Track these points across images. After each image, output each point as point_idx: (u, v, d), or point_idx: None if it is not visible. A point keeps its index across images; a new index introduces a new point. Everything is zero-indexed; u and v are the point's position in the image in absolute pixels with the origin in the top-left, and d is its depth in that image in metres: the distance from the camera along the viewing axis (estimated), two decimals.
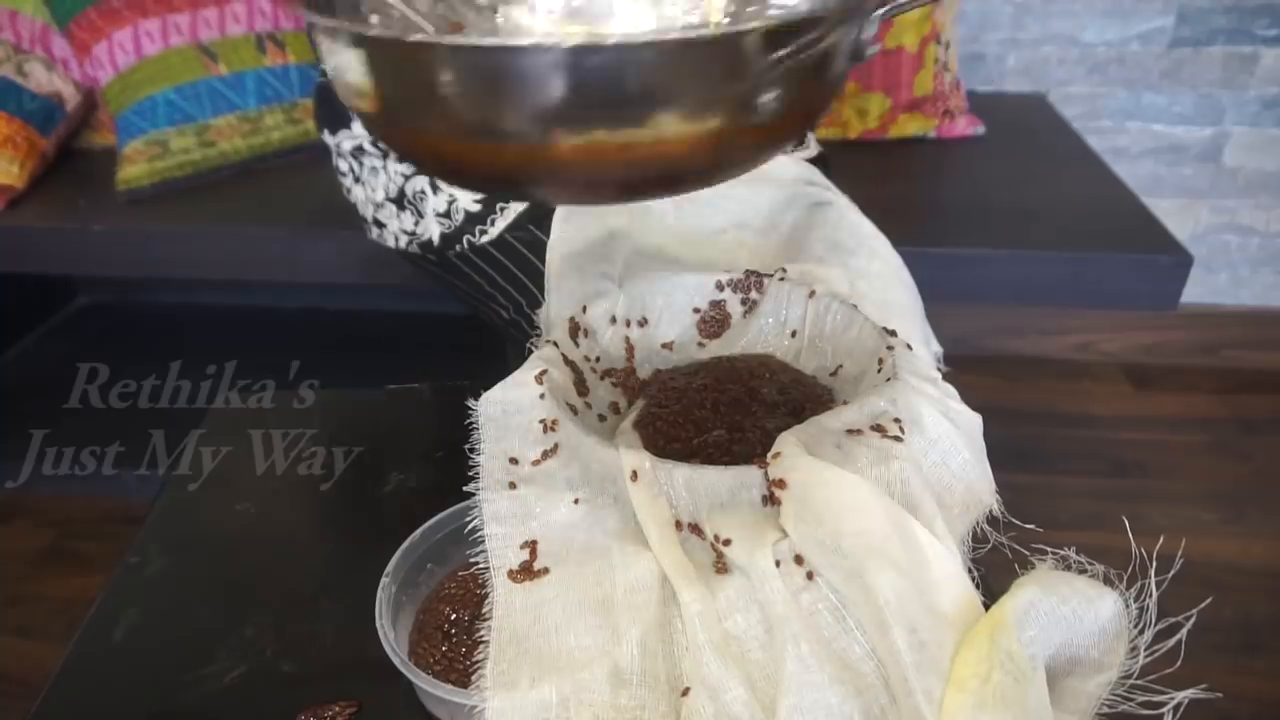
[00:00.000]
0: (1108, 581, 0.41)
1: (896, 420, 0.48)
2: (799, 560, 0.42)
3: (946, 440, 0.48)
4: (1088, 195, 1.25)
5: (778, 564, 0.41)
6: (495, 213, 0.75)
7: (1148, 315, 1.76)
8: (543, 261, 0.69)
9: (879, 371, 0.53)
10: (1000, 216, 1.20)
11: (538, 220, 0.73)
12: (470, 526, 0.47)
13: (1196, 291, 1.76)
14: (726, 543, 0.44)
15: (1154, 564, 0.41)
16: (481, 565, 0.46)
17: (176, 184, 1.34)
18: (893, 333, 0.56)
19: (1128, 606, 0.41)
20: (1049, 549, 0.43)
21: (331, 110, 0.89)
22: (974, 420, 0.51)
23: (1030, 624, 0.39)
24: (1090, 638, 0.40)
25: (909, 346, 0.56)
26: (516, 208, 0.75)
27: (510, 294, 0.76)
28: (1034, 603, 0.39)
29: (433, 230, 0.78)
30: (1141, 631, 0.40)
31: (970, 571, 0.43)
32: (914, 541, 0.42)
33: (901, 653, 0.37)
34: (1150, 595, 0.41)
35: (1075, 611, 0.40)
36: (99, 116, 1.52)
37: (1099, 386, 1.76)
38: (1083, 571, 0.42)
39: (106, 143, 1.52)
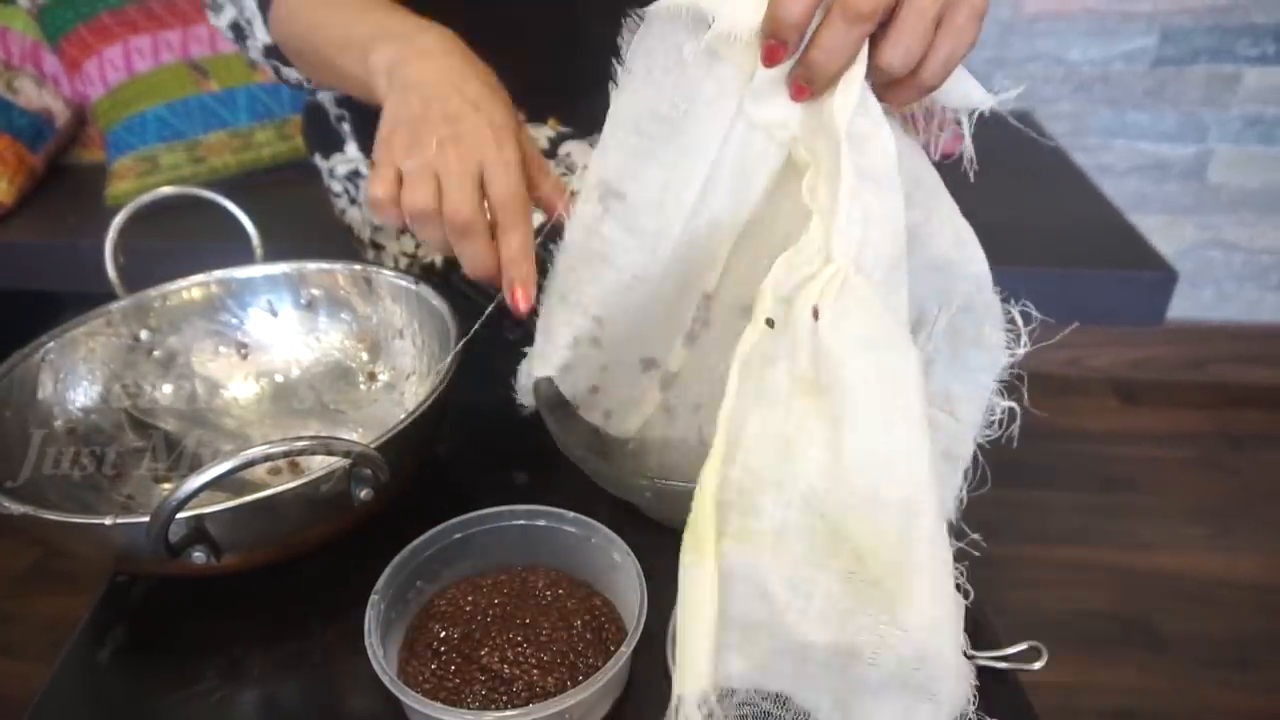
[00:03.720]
0: None
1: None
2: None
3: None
4: (1074, 212, 1.26)
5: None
6: None
7: (1135, 331, 1.77)
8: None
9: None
10: (987, 233, 1.20)
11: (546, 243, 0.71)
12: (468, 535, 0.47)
13: (1183, 307, 1.77)
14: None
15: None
16: (470, 582, 0.46)
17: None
18: None
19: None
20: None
21: (321, 133, 0.88)
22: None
23: None
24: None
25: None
26: None
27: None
28: None
29: (436, 253, 0.77)
30: None
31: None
32: None
33: None
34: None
35: None
36: (88, 132, 1.52)
37: (1087, 402, 1.77)
38: None
39: (96, 159, 1.52)
